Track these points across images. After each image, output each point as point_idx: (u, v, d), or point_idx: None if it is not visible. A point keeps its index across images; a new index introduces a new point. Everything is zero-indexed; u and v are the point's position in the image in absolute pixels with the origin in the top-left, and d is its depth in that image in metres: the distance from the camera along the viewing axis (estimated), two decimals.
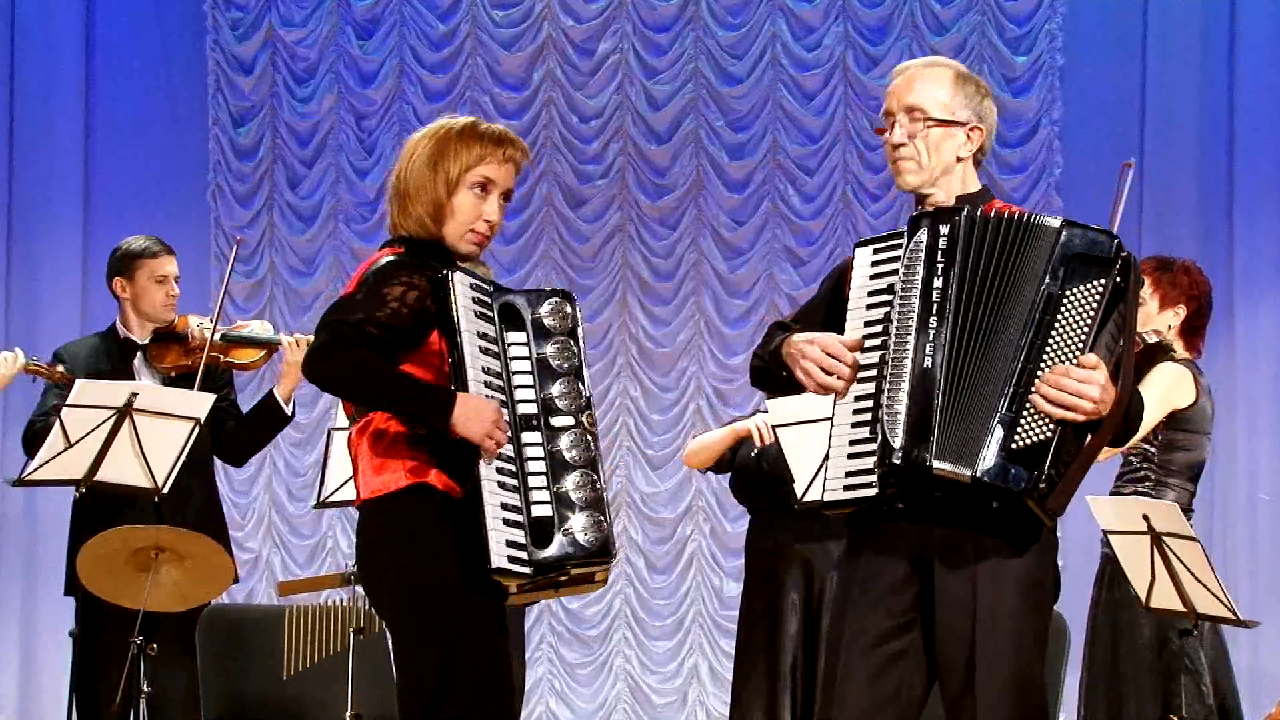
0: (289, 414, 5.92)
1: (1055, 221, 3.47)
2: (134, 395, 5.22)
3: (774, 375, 3.68)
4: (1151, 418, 4.99)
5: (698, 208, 9.38)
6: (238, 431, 5.93)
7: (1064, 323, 3.40)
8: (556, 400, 3.55)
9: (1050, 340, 3.40)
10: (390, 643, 3.65)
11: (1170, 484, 5.17)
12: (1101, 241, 3.44)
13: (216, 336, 5.76)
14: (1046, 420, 3.36)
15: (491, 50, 9.47)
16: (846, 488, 3.49)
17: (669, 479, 9.33)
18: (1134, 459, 5.22)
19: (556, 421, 3.53)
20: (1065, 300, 3.40)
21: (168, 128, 9.45)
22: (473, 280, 3.56)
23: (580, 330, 3.65)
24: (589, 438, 3.55)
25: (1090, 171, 8.80)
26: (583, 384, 3.59)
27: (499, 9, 9.48)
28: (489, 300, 3.57)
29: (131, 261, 5.84)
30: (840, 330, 3.56)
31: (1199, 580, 4.71)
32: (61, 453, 5.22)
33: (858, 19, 9.26)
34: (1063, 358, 3.39)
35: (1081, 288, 3.40)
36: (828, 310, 3.69)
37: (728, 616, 8.82)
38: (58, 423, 5.22)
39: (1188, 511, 5.12)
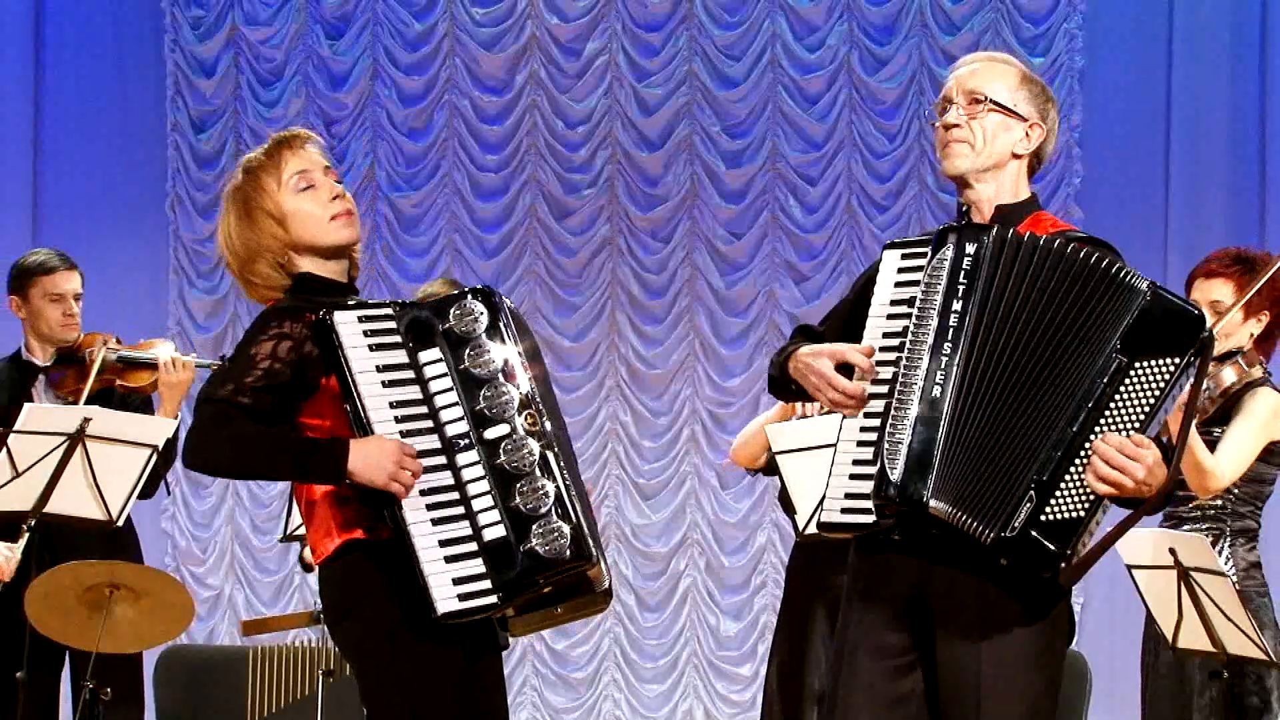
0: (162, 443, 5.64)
1: (1143, 284, 3.42)
2: (87, 421, 5.23)
3: (785, 386, 3.70)
4: (1247, 452, 4.96)
5: (692, 219, 9.40)
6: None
7: (1125, 396, 3.39)
8: (486, 410, 3.51)
9: (1107, 411, 3.38)
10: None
11: (1244, 513, 5.12)
12: (1184, 314, 3.40)
13: (114, 358, 5.75)
14: (1085, 497, 3.36)
15: (471, 50, 9.50)
16: (844, 510, 3.50)
17: (661, 510, 9.33)
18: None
19: (490, 433, 3.50)
20: (1133, 372, 3.39)
21: (123, 133, 9.46)
22: (360, 313, 3.53)
23: (503, 322, 3.57)
24: (530, 439, 3.50)
25: (1111, 180, 8.83)
26: (512, 382, 3.54)
27: (479, 6, 9.51)
28: (392, 324, 3.55)
29: (26, 278, 5.82)
30: (861, 336, 3.57)
31: (1230, 619, 4.71)
32: (7, 483, 5.22)
33: (863, 17, 9.29)
34: (1117, 432, 3.37)
35: (1153, 363, 3.38)
36: (853, 313, 3.70)
37: (724, 658, 8.83)
38: (4, 451, 5.22)
39: (1253, 535, 5.13)
